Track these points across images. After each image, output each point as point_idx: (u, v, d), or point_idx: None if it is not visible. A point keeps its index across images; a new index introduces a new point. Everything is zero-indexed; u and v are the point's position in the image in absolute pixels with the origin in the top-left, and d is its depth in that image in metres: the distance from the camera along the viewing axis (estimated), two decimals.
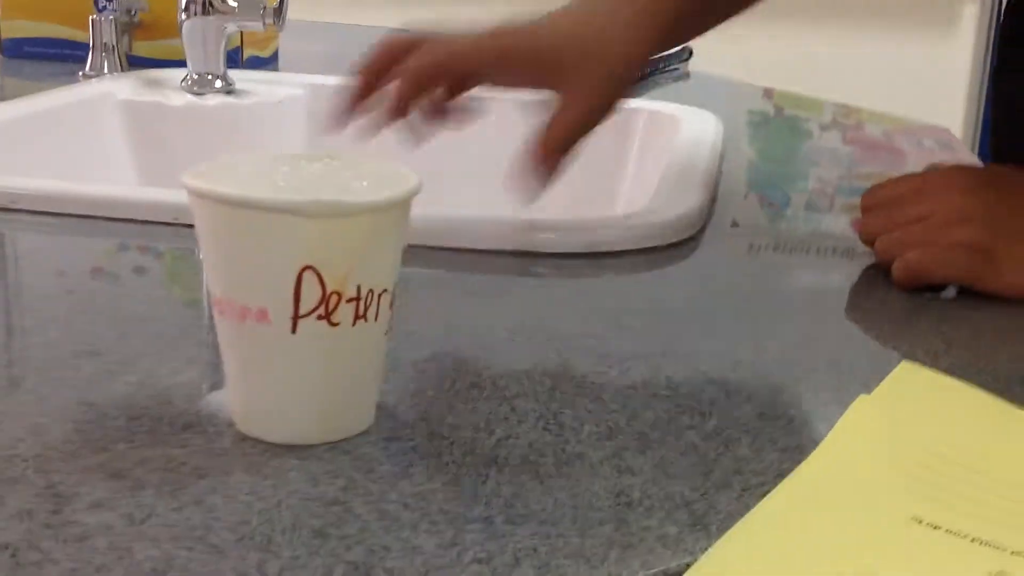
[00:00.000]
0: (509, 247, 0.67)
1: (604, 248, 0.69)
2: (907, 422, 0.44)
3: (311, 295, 0.39)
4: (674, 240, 0.72)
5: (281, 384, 0.40)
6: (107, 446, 0.40)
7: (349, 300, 0.39)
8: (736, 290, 0.64)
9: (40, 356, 0.49)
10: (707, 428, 0.44)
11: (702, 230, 0.74)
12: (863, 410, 0.44)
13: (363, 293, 0.40)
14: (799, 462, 0.41)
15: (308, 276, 0.38)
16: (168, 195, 0.70)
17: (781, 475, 0.40)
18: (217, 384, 0.46)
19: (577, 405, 0.46)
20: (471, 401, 0.46)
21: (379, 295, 0.40)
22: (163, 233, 0.66)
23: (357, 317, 0.40)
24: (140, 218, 0.68)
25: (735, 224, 0.77)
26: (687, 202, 0.75)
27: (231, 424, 0.42)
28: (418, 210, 0.42)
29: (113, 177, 1.00)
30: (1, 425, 0.41)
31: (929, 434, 0.43)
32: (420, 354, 0.50)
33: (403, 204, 0.40)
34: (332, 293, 0.39)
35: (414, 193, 0.40)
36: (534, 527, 0.36)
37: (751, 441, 0.43)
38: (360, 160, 0.43)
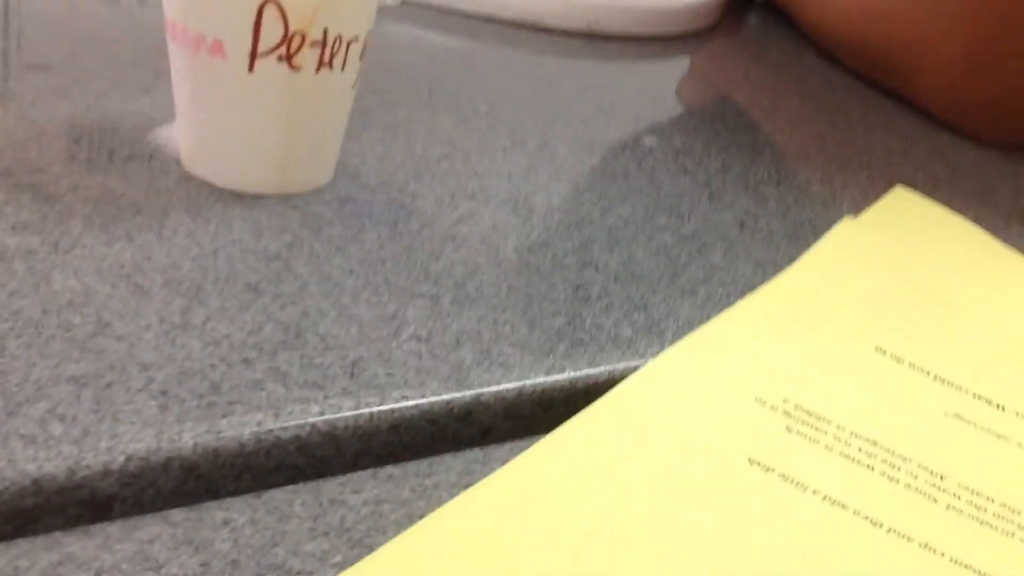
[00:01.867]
0: (509, 16, 0.63)
1: (607, 30, 0.64)
2: (889, 249, 0.41)
3: (272, 32, 0.35)
4: (683, 29, 0.68)
5: (233, 125, 0.37)
6: (42, 166, 0.37)
7: (314, 44, 0.36)
8: (740, 90, 0.60)
9: None
10: (683, 231, 0.42)
11: (720, 24, 0.70)
12: (846, 232, 0.42)
13: (330, 38, 0.36)
14: (772, 277, 0.39)
15: (270, 10, 0.35)
16: None
17: (750, 288, 0.38)
18: (170, 119, 0.43)
19: (551, 191, 0.43)
20: (439, 173, 0.43)
21: (348, 43, 0.37)
22: None
23: (321, 63, 0.36)
24: None
25: (756, 26, 0.72)
26: None
27: (179, 162, 0.39)
28: None
29: None
30: None
31: (910, 264, 0.41)
32: (394, 116, 0.47)
33: None
34: (295, 33, 0.35)
35: None
36: (482, 311, 0.34)
37: (726, 250, 0.41)
38: None
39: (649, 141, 0.50)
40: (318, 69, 0.36)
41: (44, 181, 0.36)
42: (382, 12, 0.60)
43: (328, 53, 0.36)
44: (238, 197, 0.38)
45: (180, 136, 0.39)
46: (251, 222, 0.36)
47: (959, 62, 0.55)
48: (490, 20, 0.63)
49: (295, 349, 0.30)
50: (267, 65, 0.36)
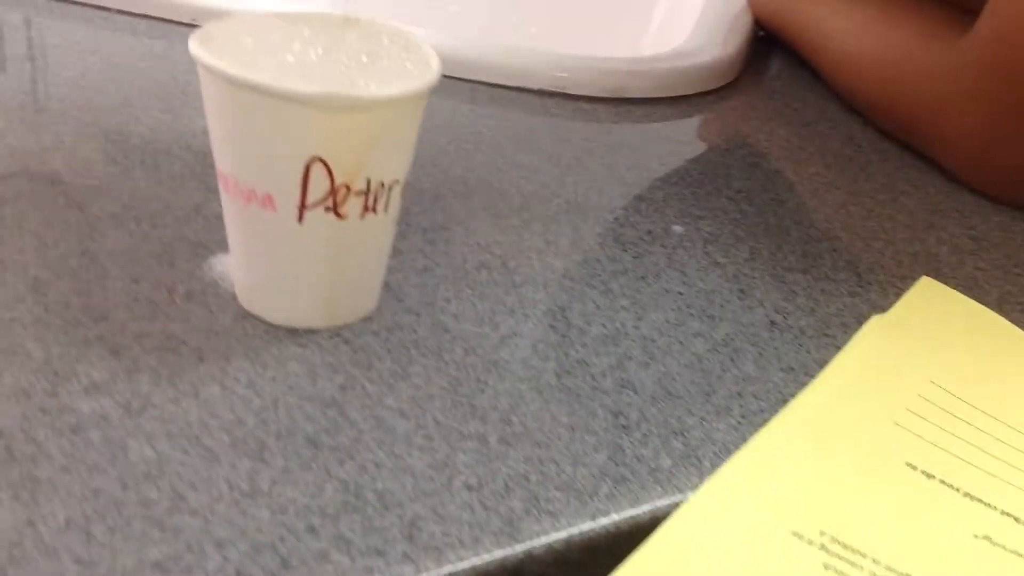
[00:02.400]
0: (536, 85, 0.65)
1: (630, 95, 0.66)
2: (918, 351, 0.43)
3: (319, 186, 0.37)
4: (707, 89, 0.69)
5: (285, 270, 0.39)
6: (107, 313, 0.40)
7: (359, 193, 0.38)
8: (763, 153, 0.62)
9: (49, 184, 0.48)
10: (715, 336, 0.44)
11: (741, 76, 0.71)
12: (874, 334, 0.43)
13: (373, 185, 0.38)
14: (803, 385, 0.41)
15: (316, 167, 0.37)
16: None
17: (783, 400, 0.40)
18: (222, 244, 0.45)
19: (586, 298, 0.45)
20: (479, 285, 0.45)
21: (390, 186, 0.39)
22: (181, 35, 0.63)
23: (366, 209, 0.38)
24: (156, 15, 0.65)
25: (777, 75, 0.73)
26: (725, 45, 0.71)
27: (233, 297, 0.41)
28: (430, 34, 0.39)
29: None
30: (3, 277, 0.41)
31: (939, 366, 0.42)
32: (432, 220, 0.49)
33: (419, 97, 0.38)
34: (341, 186, 0.37)
35: (432, 85, 0.38)
36: (528, 449, 0.36)
37: (757, 356, 0.43)
38: (381, 28, 0.40)
39: (678, 229, 0.52)
40: (363, 215, 0.38)
41: (111, 331, 0.39)
42: None
43: (372, 199, 0.38)
44: (292, 333, 0.40)
45: (234, 273, 0.41)
46: (306, 363, 0.38)
47: (980, 134, 0.56)
48: (518, 89, 0.65)
49: (356, 511, 0.32)
50: (315, 216, 0.38)
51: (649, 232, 0.51)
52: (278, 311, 0.40)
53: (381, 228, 0.40)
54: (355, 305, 0.41)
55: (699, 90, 0.68)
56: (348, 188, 0.37)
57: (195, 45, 0.37)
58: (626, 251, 0.49)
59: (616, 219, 0.52)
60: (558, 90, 0.65)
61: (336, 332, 0.40)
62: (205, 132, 0.38)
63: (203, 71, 0.37)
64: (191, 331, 0.39)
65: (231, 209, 0.39)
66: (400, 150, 0.38)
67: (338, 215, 0.38)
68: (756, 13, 0.76)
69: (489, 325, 0.42)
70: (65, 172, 0.49)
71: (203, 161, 0.51)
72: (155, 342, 0.39)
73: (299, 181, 0.37)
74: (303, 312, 0.40)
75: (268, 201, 0.38)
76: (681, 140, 0.63)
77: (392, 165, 0.38)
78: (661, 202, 0.54)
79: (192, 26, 0.66)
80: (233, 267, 0.41)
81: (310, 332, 0.40)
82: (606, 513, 0.34)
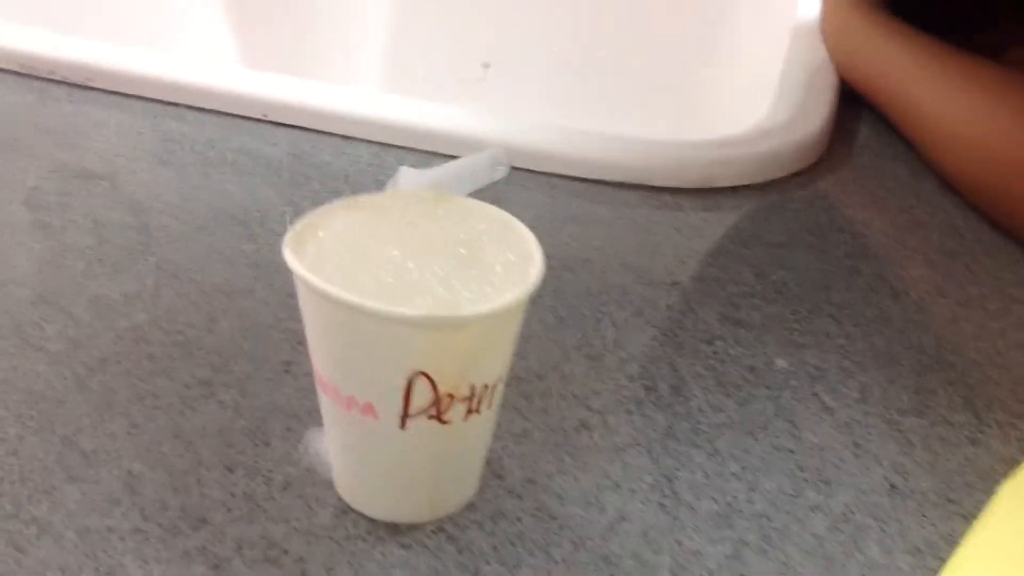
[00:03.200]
0: (619, 178, 0.62)
1: (716, 184, 0.63)
2: None
3: (422, 397, 0.35)
4: (796, 170, 0.66)
5: (386, 471, 0.38)
6: (205, 515, 0.39)
7: (462, 399, 0.36)
8: (862, 260, 0.59)
9: (134, 344, 0.47)
10: (833, 509, 0.41)
11: (829, 146, 0.68)
12: (1004, 510, 0.41)
13: (477, 390, 0.36)
14: (933, 572, 0.39)
15: (419, 381, 0.35)
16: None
17: None
18: (314, 413, 0.43)
19: (693, 463, 0.43)
20: (579, 452, 0.43)
21: (494, 386, 0.37)
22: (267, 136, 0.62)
23: (470, 412, 0.37)
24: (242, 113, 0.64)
25: (866, 144, 0.70)
26: (811, 117, 0.68)
27: (330, 484, 0.40)
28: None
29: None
30: (98, 474, 0.40)
31: None
32: (525, 368, 0.47)
33: (523, 303, 0.36)
34: (445, 395, 0.36)
35: (534, 287, 0.36)
36: None
37: (880, 533, 0.41)
38: (473, 206, 0.39)
39: (781, 364, 0.49)
40: (466, 417, 0.37)
41: (210, 539, 0.38)
42: (493, 185, 0.60)
43: (475, 402, 0.37)
44: (395, 531, 0.38)
45: (333, 466, 0.40)
46: (411, 571, 0.37)
47: None
48: (599, 182, 0.63)
49: None
50: (418, 423, 0.36)
51: (752, 369, 0.49)
52: (379, 508, 0.39)
53: (484, 424, 0.38)
54: (458, 496, 0.40)
55: (788, 172, 0.66)
56: (452, 397, 0.36)
57: (291, 256, 0.35)
58: (730, 396, 0.47)
59: (716, 352, 0.50)
60: (642, 182, 0.63)
61: (439, 525, 0.39)
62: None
63: (301, 284, 0.35)
64: (291, 533, 0.38)
65: (330, 410, 0.38)
66: (504, 351, 0.37)
67: (442, 422, 0.36)
68: (844, 78, 0.73)
69: (596, 507, 0.40)
70: (149, 328, 0.48)
71: (289, 308, 0.49)
72: (256, 551, 0.37)
73: (402, 394, 0.35)
74: (405, 509, 0.39)
75: (369, 409, 0.36)
76: (773, 239, 0.60)
77: (496, 367, 0.37)
78: (760, 327, 0.52)
79: (263, 121, 0.65)
80: (333, 461, 0.40)
81: (412, 526, 0.39)
82: None
